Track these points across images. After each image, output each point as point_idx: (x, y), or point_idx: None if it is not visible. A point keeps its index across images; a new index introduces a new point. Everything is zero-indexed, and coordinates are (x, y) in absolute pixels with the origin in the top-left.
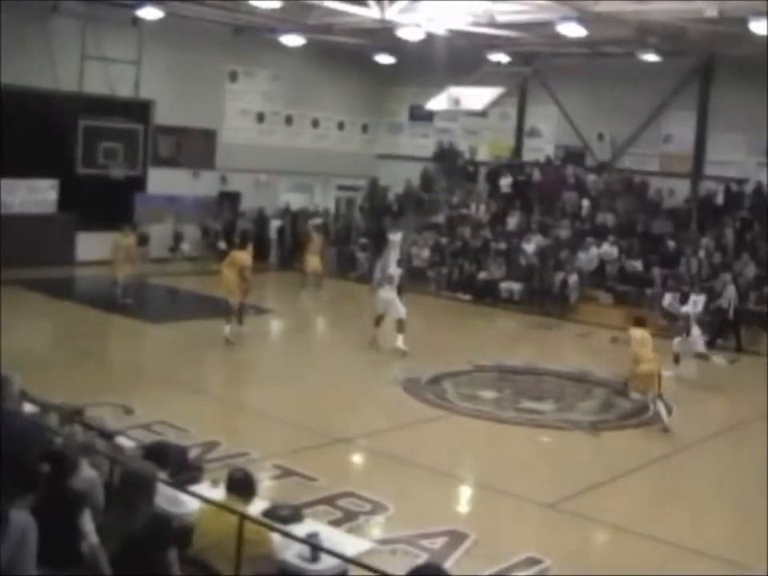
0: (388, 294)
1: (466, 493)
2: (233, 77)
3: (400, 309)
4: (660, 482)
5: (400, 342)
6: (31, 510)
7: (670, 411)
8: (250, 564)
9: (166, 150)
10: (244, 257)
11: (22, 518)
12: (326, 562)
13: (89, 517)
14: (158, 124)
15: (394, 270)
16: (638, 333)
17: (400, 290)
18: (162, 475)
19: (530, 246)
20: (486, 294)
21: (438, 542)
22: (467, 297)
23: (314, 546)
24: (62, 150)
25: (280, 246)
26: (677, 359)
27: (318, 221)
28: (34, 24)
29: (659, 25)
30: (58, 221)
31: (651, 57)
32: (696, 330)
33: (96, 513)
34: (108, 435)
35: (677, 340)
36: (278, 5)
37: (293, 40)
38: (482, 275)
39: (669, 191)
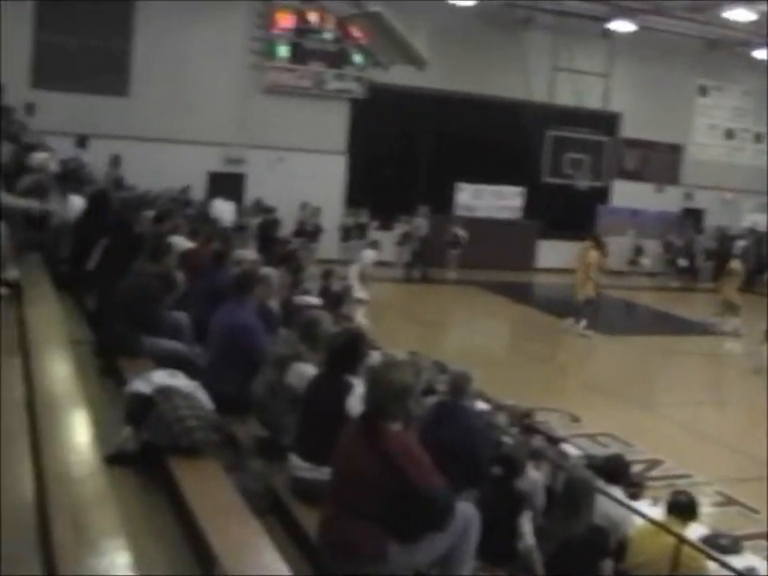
0: None
1: None
2: (702, 91)
3: None
4: None
5: None
6: (476, 504)
7: None
8: None
9: (631, 162)
10: (592, 254)
11: (467, 509)
12: None
13: (528, 518)
14: (624, 137)
15: None
16: None
17: None
18: (615, 490)
19: None
20: None
21: None
22: None
23: None
24: (530, 159)
25: (744, 267)
26: None
27: None
28: (508, 37)
29: None
30: (522, 227)
31: None
32: None
33: (535, 515)
34: (554, 441)
35: None
36: (753, 17)
37: (767, 54)
38: None
39: None
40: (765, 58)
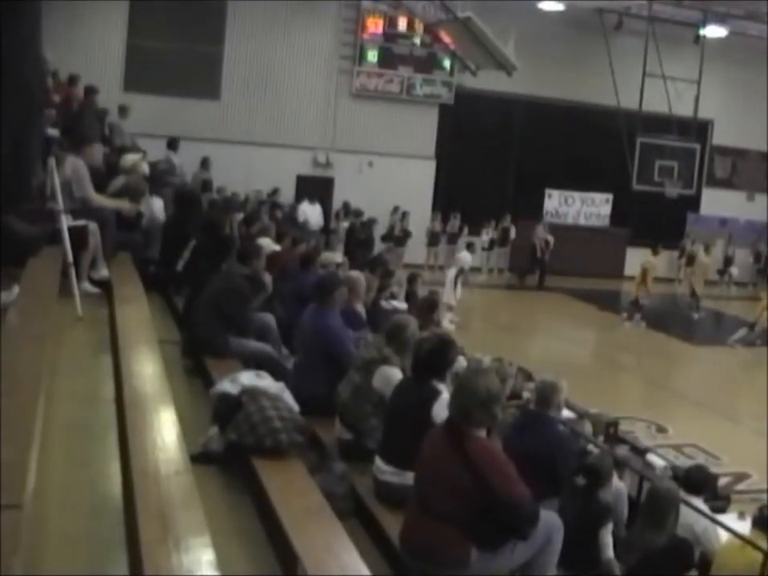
0: None
1: None
2: None
3: None
4: None
5: None
6: (558, 513)
7: None
8: None
9: (721, 170)
10: (652, 261)
11: (551, 518)
12: None
13: (609, 529)
14: (715, 144)
15: None
16: None
17: None
18: (696, 501)
19: None
20: None
21: None
22: None
23: None
24: (618, 165)
25: None
26: None
27: None
28: (597, 42)
29: None
30: (610, 235)
31: None
32: None
33: (618, 525)
34: (639, 451)
35: None
36: None
37: None
38: None
39: None
40: None
